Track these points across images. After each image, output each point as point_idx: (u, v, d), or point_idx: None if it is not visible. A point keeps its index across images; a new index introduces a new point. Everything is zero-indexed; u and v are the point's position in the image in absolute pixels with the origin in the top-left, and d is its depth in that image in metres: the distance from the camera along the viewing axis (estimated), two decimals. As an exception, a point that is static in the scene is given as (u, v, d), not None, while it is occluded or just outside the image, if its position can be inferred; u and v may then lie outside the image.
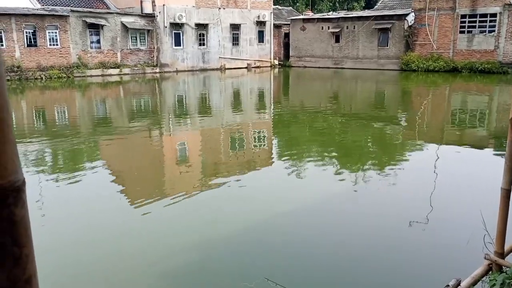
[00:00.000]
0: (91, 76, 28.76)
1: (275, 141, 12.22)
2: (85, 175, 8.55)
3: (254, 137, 12.45)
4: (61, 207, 6.88)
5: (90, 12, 29.67)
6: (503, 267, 3.58)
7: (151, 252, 5.35)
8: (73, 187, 7.81)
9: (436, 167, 8.84)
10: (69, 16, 28.13)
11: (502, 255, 3.60)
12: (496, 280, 3.39)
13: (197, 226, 6.20)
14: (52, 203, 7.00)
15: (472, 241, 5.12)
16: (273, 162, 9.88)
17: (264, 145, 11.65)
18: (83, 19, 28.81)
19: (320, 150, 10.79)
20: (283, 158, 10.06)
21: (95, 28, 29.43)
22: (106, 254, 5.38)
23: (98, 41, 29.75)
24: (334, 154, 10.49)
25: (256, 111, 17.54)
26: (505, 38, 29.00)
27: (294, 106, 19.00)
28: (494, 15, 29.24)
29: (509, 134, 3.38)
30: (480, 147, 10.94)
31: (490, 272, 3.63)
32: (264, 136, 12.69)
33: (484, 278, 3.62)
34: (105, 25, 29.66)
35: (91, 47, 29.49)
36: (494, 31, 29.46)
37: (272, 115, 16.78)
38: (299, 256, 5.24)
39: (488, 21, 29.63)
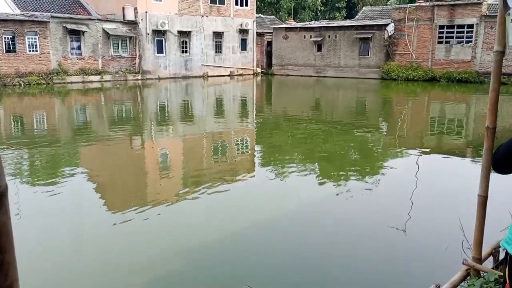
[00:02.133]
0: (71, 82, 28.35)
1: (257, 149, 12.23)
2: (64, 184, 8.39)
3: (236, 145, 12.44)
4: (39, 217, 6.73)
5: (71, 18, 29.32)
6: (481, 272, 3.65)
7: (130, 262, 5.27)
8: (52, 197, 7.66)
9: (414, 174, 8.98)
10: (49, 22, 27.74)
11: (480, 260, 3.67)
12: (474, 285, 3.45)
13: (178, 235, 6.14)
14: (29, 212, 6.85)
15: (451, 247, 5.21)
16: (255, 170, 9.88)
17: (246, 153, 11.65)
18: (64, 25, 28.45)
19: (301, 158, 10.84)
20: (265, 166, 10.08)
21: (76, 35, 29.09)
22: (83, 264, 5.28)
23: (79, 48, 29.39)
24: (315, 161, 10.56)
25: (238, 119, 17.55)
26: (482, 48, 29.78)
27: (277, 114, 19.08)
28: (471, 26, 30.02)
29: (485, 142, 3.47)
30: (458, 155, 11.16)
31: (469, 278, 3.69)
32: (247, 144, 12.70)
33: (462, 283, 3.68)
34: (86, 32, 29.34)
35: (72, 54, 29.10)
36: (471, 41, 30.23)
37: (255, 123, 16.81)
38: (281, 264, 5.25)
39: (465, 32, 30.40)
